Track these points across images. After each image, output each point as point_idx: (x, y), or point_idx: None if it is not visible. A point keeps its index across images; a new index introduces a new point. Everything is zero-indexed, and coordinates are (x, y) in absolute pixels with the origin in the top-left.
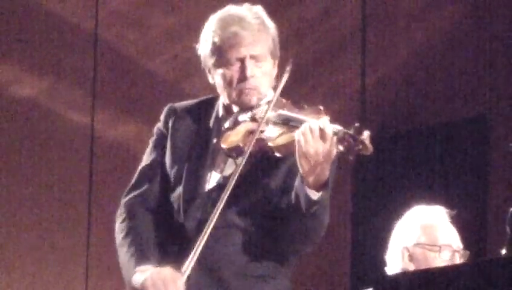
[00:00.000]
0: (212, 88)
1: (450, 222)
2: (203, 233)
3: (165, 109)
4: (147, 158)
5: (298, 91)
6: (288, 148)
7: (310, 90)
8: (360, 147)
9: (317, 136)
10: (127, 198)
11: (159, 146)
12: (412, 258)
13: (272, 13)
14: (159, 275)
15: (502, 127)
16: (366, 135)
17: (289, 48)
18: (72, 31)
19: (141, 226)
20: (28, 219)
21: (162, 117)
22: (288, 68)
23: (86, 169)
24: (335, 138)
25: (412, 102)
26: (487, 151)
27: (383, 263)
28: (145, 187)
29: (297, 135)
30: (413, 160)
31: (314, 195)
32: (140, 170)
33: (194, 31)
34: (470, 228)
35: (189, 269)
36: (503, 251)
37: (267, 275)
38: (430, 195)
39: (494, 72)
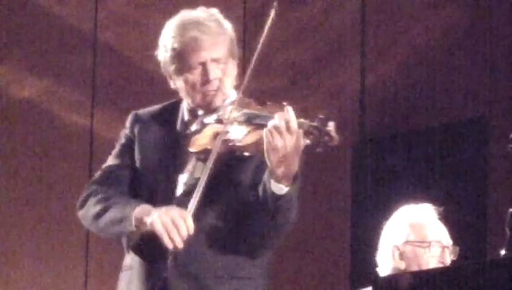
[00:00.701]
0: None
1: (438, 218)
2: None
3: (130, 117)
4: (113, 159)
5: (298, 92)
6: (257, 146)
7: (310, 91)
8: (326, 138)
9: (283, 129)
10: (92, 186)
11: (128, 150)
12: (402, 256)
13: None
14: (167, 214)
15: (501, 128)
16: (331, 125)
17: (289, 48)
18: (72, 32)
19: (120, 195)
20: (27, 219)
21: (127, 124)
22: (273, 9)
23: (86, 169)
24: (301, 131)
25: (412, 102)
26: (486, 152)
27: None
28: (111, 185)
29: (264, 130)
30: (412, 160)
31: (281, 189)
32: (105, 169)
33: None
34: (470, 228)
35: (193, 209)
36: (503, 252)
37: (245, 275)
38: (430, 195)
39: (493, 72)
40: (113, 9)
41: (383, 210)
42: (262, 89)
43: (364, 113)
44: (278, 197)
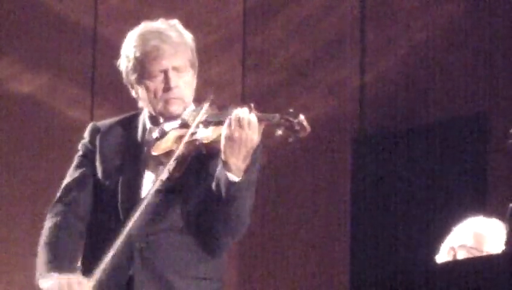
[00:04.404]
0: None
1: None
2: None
3: (88, 127)
4: (73, 173)
5: (297, 88)
6: (219, 143)
7: (309, 88)
8: (298, 128)
9: (245, 122)
10: (55, 208)
11: (88, 161)
12: (454, 258)
13: (272, 11)
14: (65, 280)
15: (501, 125)
16: (302, 117)
17: (288, 45)
18: (71, 27)
19: (64, 237)
20: (26, 218)
21: (86, 134)
22: (209, 97)
23: None
24: (260, 127)
25: (411, 100)
26: (486, 149)
27: (382, 263)
28: (73, 198)
29: (227, 121)
30: (412, 158)
31: (234, 178)
32: (66, 185)
33: (194, 29)
34: None
35: (99, 274)
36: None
37: (204, 275)
38: (430, 193)
39: (493, 70)
40: (113, 4)
41: (383, 209)
42: (261, 86)
43: (364, 110)
44: (231, 184)
